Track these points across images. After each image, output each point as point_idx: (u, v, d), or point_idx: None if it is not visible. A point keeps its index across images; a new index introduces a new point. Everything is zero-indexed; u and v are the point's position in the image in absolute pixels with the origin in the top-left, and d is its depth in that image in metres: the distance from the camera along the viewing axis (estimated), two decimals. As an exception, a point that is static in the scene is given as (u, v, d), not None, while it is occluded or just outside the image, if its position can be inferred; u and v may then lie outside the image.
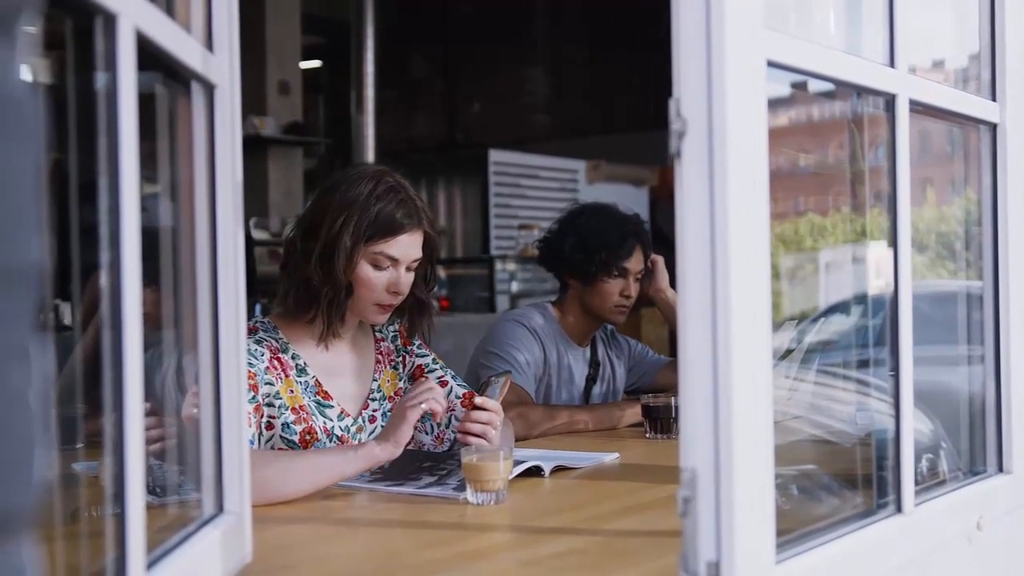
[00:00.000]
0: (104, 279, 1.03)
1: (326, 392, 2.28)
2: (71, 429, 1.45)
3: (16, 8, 0.58)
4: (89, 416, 1.31)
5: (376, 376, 2.40)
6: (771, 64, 1.26)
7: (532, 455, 2.20)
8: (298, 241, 2.25)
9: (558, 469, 2.22)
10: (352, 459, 2.01)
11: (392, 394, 2.41)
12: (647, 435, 2.70)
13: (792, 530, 1.35)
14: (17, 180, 0.57)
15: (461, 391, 2.41)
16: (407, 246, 2.25)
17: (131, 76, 1.03)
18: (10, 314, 0.57)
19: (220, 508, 1.40)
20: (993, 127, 1.83)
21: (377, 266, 2.23)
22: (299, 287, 2.24)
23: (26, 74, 0.60)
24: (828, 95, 1.75)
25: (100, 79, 1.04)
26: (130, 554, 1.03)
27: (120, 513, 1.03)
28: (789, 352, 2.28)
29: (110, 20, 1.01)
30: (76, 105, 1.06)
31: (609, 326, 3.25)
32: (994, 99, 1.83)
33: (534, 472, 2.15)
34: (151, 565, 1.12)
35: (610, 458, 2.38)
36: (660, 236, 5.33)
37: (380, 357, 2.43)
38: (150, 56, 1.13)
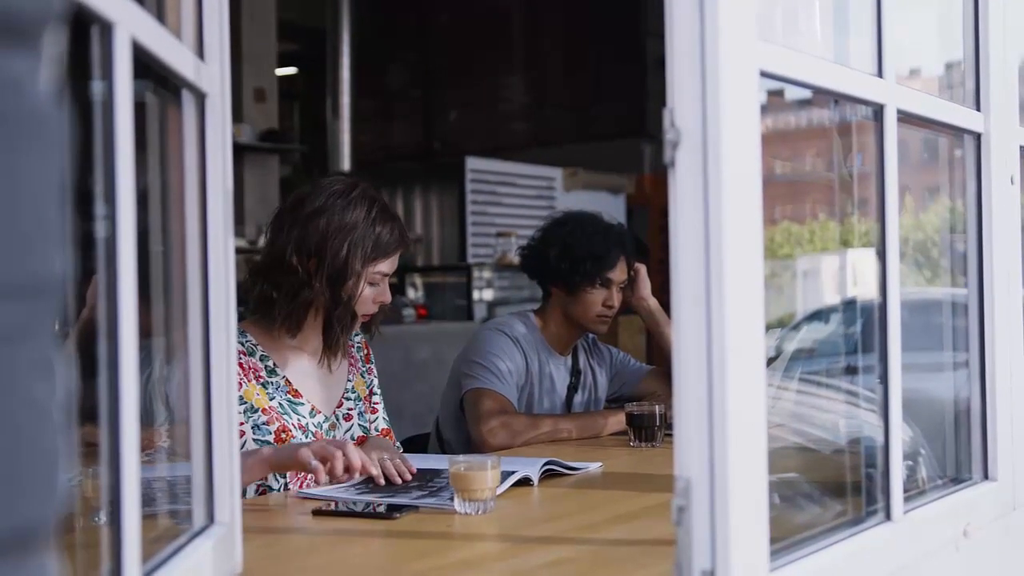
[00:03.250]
0: (99, 288, 1.02)
1: (296, 391, 2.34)
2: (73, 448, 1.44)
3: (40, 21, 0.58)
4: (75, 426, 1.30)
5: (350, 377, 2.48)
6: (763, 74, 1.27)
7: (518, 463, 2.20)
8: (296, 262, 2.25)
9: (547, 475, 2.22)
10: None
11: (364, 397, 2.50)
12: (631, 443, 2.71)
13: (784, 538, 1.35)
14: (42, 192, 0.57)
15: (382, 425, 2.49)
16: (396, 261, 2.38)
17: (127, 84, 1.03)
18: (34, 327, 0.57)
19: (211, 519, 1.39)
20: (977, 136, 1.85)
21: (372, 283, 2.34)
22: (304, 308, 2.30)
23: (51, 85, 0.60)
24: (804, 103, 1.75)
25: (95, 87, 1.03)
26: (125, 566, 1.02)
27: (116, 525, 1.02)
28: (771, 360, 2.30)
29: (107, 28, 1.00)
30: (70, 113, 1.06)
31: (591, 334, 3.25)
32: (978, 109, 1.84)
33: (522, 481, 2.14)
34: (145, 577, 1.11)
35: (594, 467, 2.39)
36: (637, 243, 5.33)
37: (352, 360, 2.51)
38: (142, 64, 1.12)
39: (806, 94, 1.60)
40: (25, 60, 0.58)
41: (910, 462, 1.83)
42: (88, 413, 1.05)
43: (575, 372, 3.20)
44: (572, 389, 3.19)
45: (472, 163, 8.29)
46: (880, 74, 1.54)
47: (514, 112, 10.00)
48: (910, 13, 2.12)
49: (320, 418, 2.35)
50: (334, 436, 2.38)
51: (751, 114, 1.23)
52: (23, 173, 0.56)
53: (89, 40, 1.02)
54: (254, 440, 2.23)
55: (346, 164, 8.62)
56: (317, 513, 1.91)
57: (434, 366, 5.84)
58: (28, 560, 0.57)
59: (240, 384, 2.23)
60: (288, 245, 2.27)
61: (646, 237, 7.54)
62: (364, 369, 2.54)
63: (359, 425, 2.44)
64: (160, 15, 1.27)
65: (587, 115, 9.49)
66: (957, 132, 1.86)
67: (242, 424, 2.21)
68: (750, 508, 1.20)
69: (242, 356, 2.27)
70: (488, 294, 7.75)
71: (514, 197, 8.45)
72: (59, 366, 0.60)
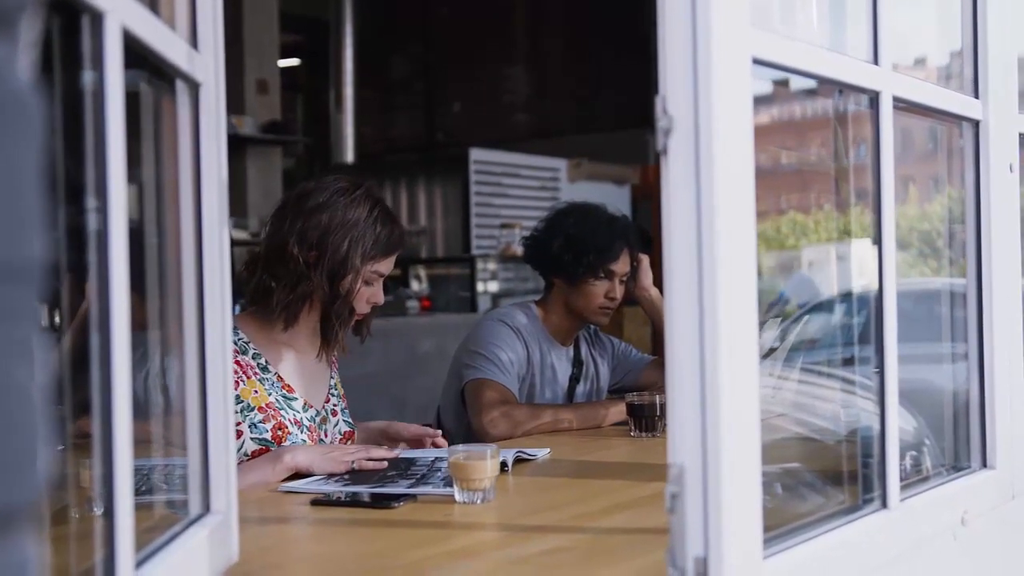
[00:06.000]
0: (91, 281, 1.03)
1: (289, 386, 2.37)
2: (54, 430, 1.45)
3: (18, 6, 0.58)
4: (72, 417, 1.30)
5: (332, 375, 2.52)
6: (756, 61, 1.27)
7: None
8: (297, 253, 2.27)
9: (519, 461, 2.27)
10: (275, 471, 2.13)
11: (342, 395, 2.54)
12: (632, 433, 2.71)
13: (779, 526, 1.35)
14: (21, 177, 0.57)
15: (345, 428, 2.51)
16: (392, 263, 2.41)
17: (118, 74, 1.03)
18: (14, 309, 0.57)
19: (207, 508, 1.39)
20: (976, 124, 1.84)
21: (368, 282, 2.36)
22: (301, 300, 2.32)
23: (28, 71, 0.60)
24: (810, 92, 1.75)
25: (86, 77, 1.03)
26: (119, 553, 1.02)
27: (109, 513, 1.02)
28: (772, 350, 2.29)
29: (97, 18, 1.00)
30: (60, 103, 1.06)
31: (593, 325, 3.25)
32: (976, 96, 1.84)
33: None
34: (139, 564, 1.11)
35: (542, 453, 2.41)
36: (641, 235, 5.32)
37: (333, 360, 2.54)
38: (135, 54, 1.13)
39: (812, 83, 1.60)
40: (1, 46, 0.58)
41: (914, 452, 1.83)
42: (86, 405, 1.06)
43: (577, 363, 3.21)
44: (574, 380, 3.19)
45: (476, 154, 8.29)
46: (876, 61, 1.54)
47: (517, 103, 9.99)
48: (916, 3, 2.12)
49: (312, 412, 2.38)
50: (325, 430, 2.41)
51: (744, 102, 1.23)
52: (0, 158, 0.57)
53: (80, 29, 1.02)
54: (252, 439, 2.25)
55: (349, 156, 8.63)
56: (315, 503, 1.91)
57: (437, 358, 5.84)
58: (7, 541, 0.57)
59: (238, 383, 2.25)
60: (290, 237, 2.30)
61: (651, 228, 7.53)
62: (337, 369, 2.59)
63: (344, 421, 2.49)
64: (153, 5, 1.27)
65: (591, 106, 9.49)
66: (955, 120, 1.86)
67: (240, 424, 2.23)
68: (743, 495, 1.21)
69: (236, 355, 2.28)
70: (492, 286, 7.76)
71: (518, 188, 8.45)
72: (40, 349, 0.61)
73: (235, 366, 2.26)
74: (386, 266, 2.38)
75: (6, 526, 0.57)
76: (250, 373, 2.29)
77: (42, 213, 0.60)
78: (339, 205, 2.32)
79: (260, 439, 2.26)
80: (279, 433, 2.27)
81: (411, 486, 2.01)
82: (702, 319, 1.18)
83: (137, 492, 1.13)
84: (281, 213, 2.36)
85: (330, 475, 2.12)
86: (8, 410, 0.57)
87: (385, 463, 2.18)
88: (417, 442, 2.47)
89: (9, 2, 0.58)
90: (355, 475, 2.12)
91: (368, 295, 2.37)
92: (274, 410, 2.29)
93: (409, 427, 2.52)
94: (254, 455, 2.24)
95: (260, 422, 2.26)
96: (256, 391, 2.29)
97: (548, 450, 2.45)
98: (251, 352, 2.33)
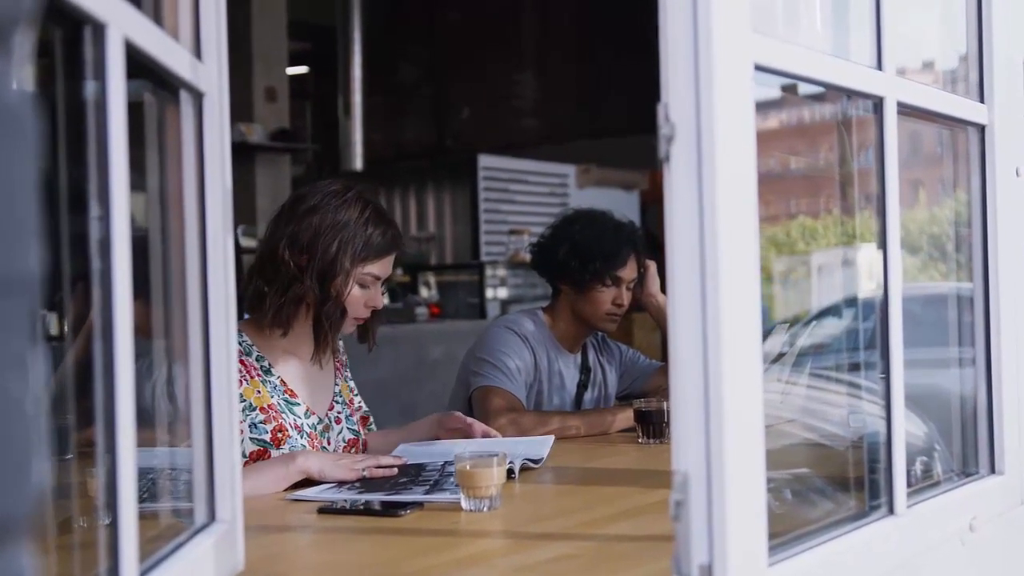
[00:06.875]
0: (94, 289, 1.03)
1: (292, 391, 2.37)
2: (61, 439, 1.45)
3: (13, 18, 0.58)
4: (79, 427, 1.31)
5: (337, 381, 2.52)
6: (759, 68, 1.27)
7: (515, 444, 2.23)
8: (288, 256, 2.28)
9: (525, 469, 2.26)
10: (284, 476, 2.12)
11: (347, 401, 2.53)
12: (639, 440, 2.70)
13: (785, 532, 1.35)
14: (16, 189, 0.57)
15: (349, 436, 2.50)
16: (389, 265, 2.40)
17: (120, 85, 1.03)
18: (9, 322, 0.57)
19: (212, 517, 1.39)
20: (981, 128, 1.84)
21: (362, 285, 2.36)
22: (293, 303, 2.32)
23: (23, 84, 0.61)
24: (818, 98, 1.75)
25: (89, 88, 1.04)
26: (123, 563, 1.02)
27: (113, 523, 1.02)
28: (781, 355, 2.29)
29: (99, 29, 1.01)
30: (64, 113, 1.06)
31: (600, 332, 3.25)
32: (982, 100, 1.83)
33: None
34: (144, 574, 1.11)
35: (547, 446, 2.42)
36: (651, 240, 5.32)
37: (338, 366, 2.54)
38: (138, 64, 1.13)
39: (821, 88, 1.59)
40: (-3, 59, 0.58)
41: (924, 457, 1.82)
42: (93, 414, 1.06)
43: (585, 369, 3.20)
44: (582, 386, 3.19)
45: (484, 160, 8.29)
46: (879, 67, 1.54)
47: (526, 108, 9.98)
48: (921, 8, 2.11)
49: (314, 419, 2.38)
50: (327, 438, 2.41)
51: (746, 108, 1.23)
52: (-5, 171, 0.57)
53: (82, 40, 1.02)
54: (251, 439, 2.25)
55: (358, 163, 8.63)
56: (322, 511, 1.91)
57: (447, 365, 5.84)
58: (2, 552, 0.57)
59: (241, 382, 2.25)
60: (281, 241, 2.31)
61: (660, 234, 7.52)
62: (347, 375, 2.59)
63: (348, 428, 2.49)
64: (157, 16, 1.28)
65: (599, 111, 9.47)
66: (961, 124, 1.85)
67: (240, 422, 2.23)
68: (748, 502, 1.20)
69: (240, 355, 2.29)
70: (501, 292, 7.76)
71: (527, 195, 8.45)
72: (36, 362, 0.61)
73: (239, 366, 2.27)
74: (380, 268, 2.37)
75: (2, 538, 0.57)
76: (253, 373, 2.30)
77: (39, 225, 0.60)
78: (330, 207, 2.32)
79: (259, 440, 2.26)
80: (279, 435, 2.27)
81: (425, 493, 2.01)
82: (705, 325, 1.18)
83: (141, 499, 1.13)
84: (276, 219, 2.38)
85: (341, 483, 2.12)
86: (2, 423, 0.57)
87: (395, 470, 2.18)
88: (462, 432, 2.50)
89: (3, 15, 0.58)
90: (367, 483, 2.12)
91: (365, 299, 2.36)
92: (275, 412, 2.29)
93: (467, 419, 2.54)
94: (252, 456, 2.24)
95: (261, 422, 2.27)
96: (259, 391, 2.30)
97: (552, 437, 2.46)
98: (255, 354, 2.34)
